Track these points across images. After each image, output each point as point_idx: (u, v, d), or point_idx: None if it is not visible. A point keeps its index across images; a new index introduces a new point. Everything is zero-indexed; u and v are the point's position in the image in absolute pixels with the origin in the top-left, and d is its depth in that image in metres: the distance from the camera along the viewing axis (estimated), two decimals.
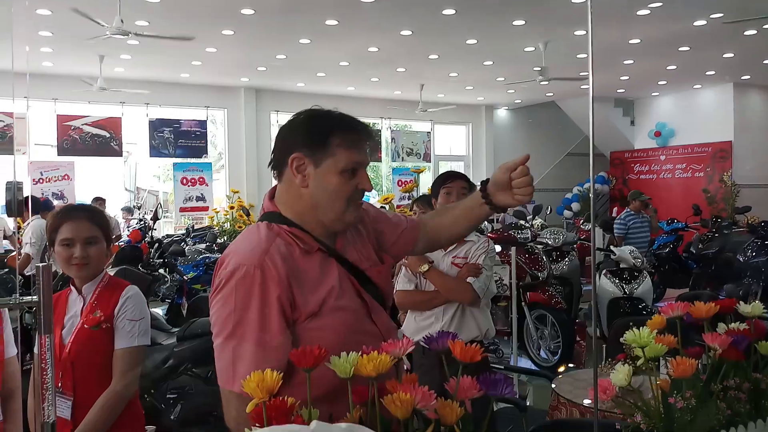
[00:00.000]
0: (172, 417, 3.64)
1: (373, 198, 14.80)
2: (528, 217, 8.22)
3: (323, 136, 1.45)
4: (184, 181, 11.64)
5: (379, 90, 12.25)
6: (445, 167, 13.89)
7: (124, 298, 2.14)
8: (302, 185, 1.46)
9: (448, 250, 3.01)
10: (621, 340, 3.57)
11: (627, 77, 11.15)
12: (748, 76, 11.39)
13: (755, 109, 12.35)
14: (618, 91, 12.64)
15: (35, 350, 1.45)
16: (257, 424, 1.12)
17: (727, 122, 12.01)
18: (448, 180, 3.07)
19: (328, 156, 1.44)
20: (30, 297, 1.41)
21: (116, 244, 8.15)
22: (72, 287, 2.21)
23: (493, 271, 3.09)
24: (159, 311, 6.25)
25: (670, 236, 9.06)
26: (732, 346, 1.71)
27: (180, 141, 11.58)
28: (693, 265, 8.61)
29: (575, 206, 13.18)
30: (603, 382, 1.69)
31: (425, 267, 2.98)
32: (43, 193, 10.14)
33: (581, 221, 10.61)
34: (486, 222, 7.64)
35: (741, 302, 1.89)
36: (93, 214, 2.21)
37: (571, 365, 5.63)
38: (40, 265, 1.39)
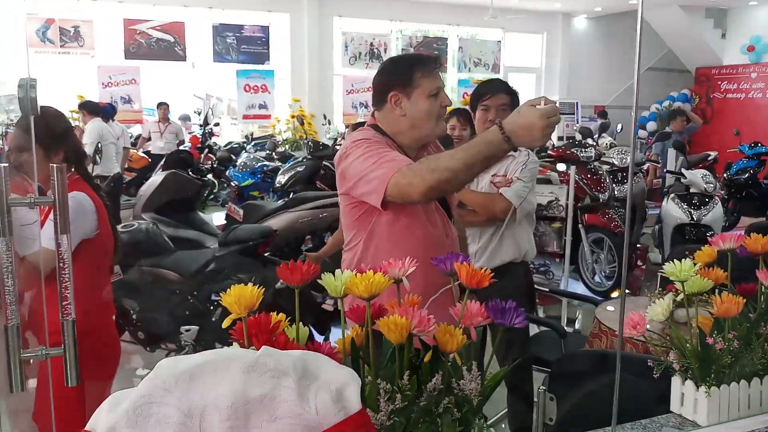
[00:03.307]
0: (213, 319, 3.73)
1: None
2: (594, 136, 7.75)
3: (409, 74, 1.91)
4: (247, 88, 11.61)
5: None
6: (515, 79, 13.25)
7: None
8: (401, 114, 1.93)
9: None
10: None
11: None
12: None
13: None
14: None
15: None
16: (238, 340, 1.06)
17: None
18: (485, 94, 2.73)
19: (415, 88, 1.91)
20: (45, 197, 1.37)
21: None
22: None
23: (533, 183, 2.80)
24: (212, 216, 6.40)
25: (751, 161, 8.42)
26: None
27: (243, 47, 11.47)
28: None
29: (651, 125, 12.41)
30: (634, 316, 1.53)
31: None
32: (111, 97, 10.37)
33: (654, 141, 9.98)
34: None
35: None
36: None
37: (626, 291, 5.42)
38: (55, 165, 1.34)
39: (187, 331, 3.78)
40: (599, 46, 13.79)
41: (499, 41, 13.16)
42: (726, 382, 1.47)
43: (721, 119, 12.62)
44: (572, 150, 5.42)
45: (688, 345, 1.50)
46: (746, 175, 8.18)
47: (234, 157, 7.12)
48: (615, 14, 13.06)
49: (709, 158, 9.13)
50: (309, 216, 4.29)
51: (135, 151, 9.07)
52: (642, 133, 12.66)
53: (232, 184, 6.02)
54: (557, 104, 1.70)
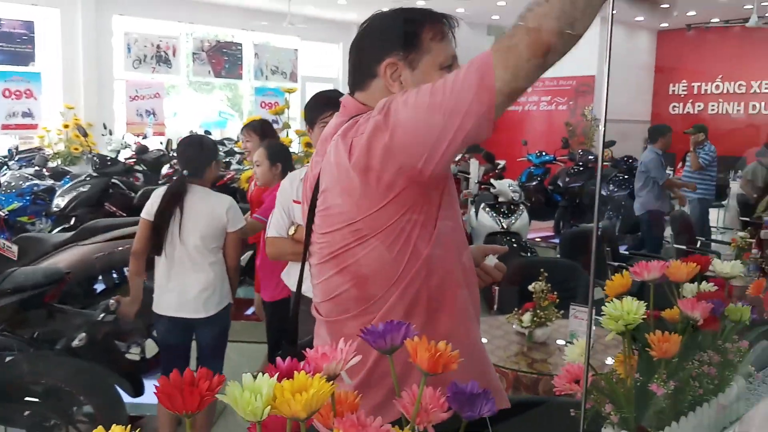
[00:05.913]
0: None
1: (236, 121, 13.75)
2: None
3: (414, 34, 1.30)
4: (7, 93, 9.94)
5: None
6: (313, 89, 13.00)
7: None
8: None
9: None
10: (530, 287, 3.16)
11: (504, 3, 10.89)
12: (615, 11, 11.58)
13: (618, 44, 12.70)
14: (493, 17, 12.41)
15: None
16: None
17: (592, 56, 12.26)
18: (326, 108, 2.30)
19: (423, 54, 1.30)
20: None
21: None
22: None
23: None
24: None
25: (538, 168, 9.15)
26: (711, 314, 1.40)
27: (1, 45, 9.79)
28: (558, 197, 8.76)
29: None
30: (572, 368, 1.28)
31: (292, 229, 2.39)
32: None
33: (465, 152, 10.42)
34: None
35: (716, 259, 1.61)
36: None
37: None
38: None
39: None
40: None
41: (296, 50, 12.89)
42: (667, 423, 1.29)
43: (503, 130, 13.69)
44: None
45: (621, 390, 1.29)
46: (535, 182, 8.86)
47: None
48: None
49: (499, 167, 9.75)
50: (106, 249, 3.50)
51: None
52: None
53: (4, 210, 4.89)
54: None
